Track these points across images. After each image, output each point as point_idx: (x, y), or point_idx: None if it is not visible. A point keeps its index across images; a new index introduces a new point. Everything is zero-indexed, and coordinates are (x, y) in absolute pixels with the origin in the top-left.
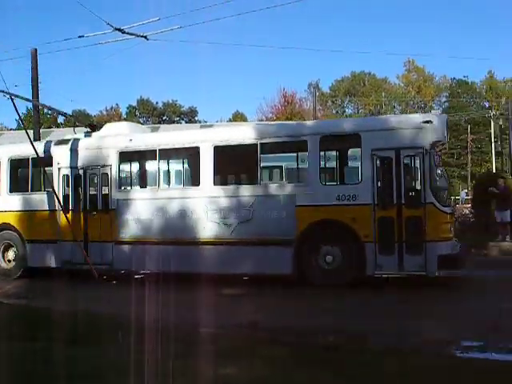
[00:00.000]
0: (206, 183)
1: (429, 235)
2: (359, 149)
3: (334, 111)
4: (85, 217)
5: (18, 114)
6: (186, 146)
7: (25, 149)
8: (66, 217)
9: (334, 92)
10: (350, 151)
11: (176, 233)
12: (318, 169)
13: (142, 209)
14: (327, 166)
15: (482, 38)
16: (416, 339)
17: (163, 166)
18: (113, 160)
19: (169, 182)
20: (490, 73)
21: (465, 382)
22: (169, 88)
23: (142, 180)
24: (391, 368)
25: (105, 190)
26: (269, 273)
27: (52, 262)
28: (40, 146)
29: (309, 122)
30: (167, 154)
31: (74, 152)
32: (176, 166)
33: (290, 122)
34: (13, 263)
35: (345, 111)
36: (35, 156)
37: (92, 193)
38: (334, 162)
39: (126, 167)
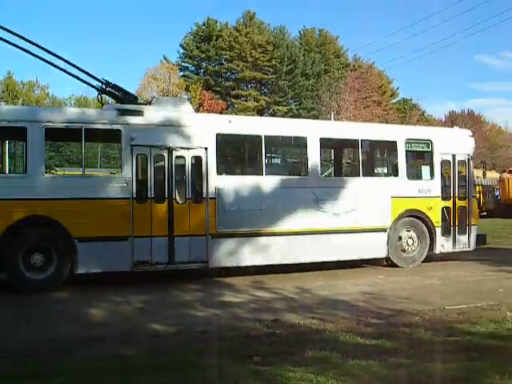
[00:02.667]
0: (314, 174)
1: (471, 220)
2: (430, 152)
3: None
4: (169, 207)
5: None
6: (293, 135)
7: (69, 115)
8: (143, 207)
9: None
10: (422, 153)
11: (285, 223)
12: (406, 165)
13: (245, 198)
14: (411, 163)
15: None
16: None
17: (268, 152)
18: (209, 142)
19: (274, 170)
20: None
21: None
22: None
23: (245, 167)
24: None
25: (194, 176)
26: (368, 257)
27: (116, 265)
28: (92, 114)
29: (400, 129)
30: (272, 141)
31: (153, 127)
32: (281, 154)
33: (386, 124)
34: (50, 271)
35: None
36: (91, 126)
37: (178, 178)
38: (414, 161)
39: (224, 151)
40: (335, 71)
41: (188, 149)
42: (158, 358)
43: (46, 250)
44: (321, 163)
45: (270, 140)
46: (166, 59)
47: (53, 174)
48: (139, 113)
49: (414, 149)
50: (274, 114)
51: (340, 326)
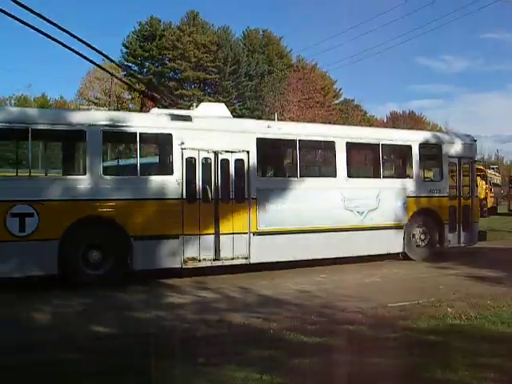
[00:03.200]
0: (341, 175)
1: (474, 218)
2: (440, 155)
3: None
4: (215, 207)
5: None
6: (323, 139)
7: (126, 119)
8: (192, 207)
9: None
10: (432, 156)
11: (316, 221)
12: (419, 168)
13: (282, 198)
14: (423, 166)
15: None
16: None
17: (301, 155)
18: (250, 145)
19: (307, 172)
20: None
21: None
22: None
23: (282, 169)
24: None
25: (237, 177)
26: (387, 252)
27: (168, 262)
28: (146, 119)
29: (415, 134)
30: (305, 144)
31: (200, 132)
32: (312, 156)
33: (403, 130)
34: (107, 268)
35: None
36: (147, 130)
37: (223, 180)
38: (424, 163)
39: (263, 154)
40: (279, 72)
41: (231, 152)
42: (99, 361)
43: (104, 247)
44: (347, 165)
45: (304, 144)
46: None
47: (110, 175)
48: (189, 118)
49: (425, 153)
50: None
51: (284, 325)
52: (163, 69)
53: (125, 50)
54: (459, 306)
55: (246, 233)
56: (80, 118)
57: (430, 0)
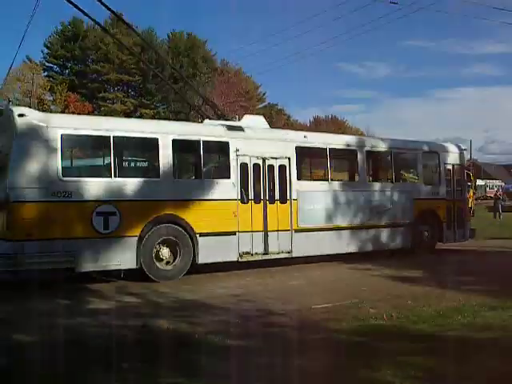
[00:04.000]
0: (362, 179)
1: (467, 217)
2: (438, 162)
3: None
4: (264, 207)
5: None
6: (347, 148)
7: (192, 129)
8: (246, 207)
9: None
10: (432, 163)
11: (344, 219)
12: (422, 173)
13: (317, 199)
14: (425, 171)
15: None
16: None
17: (331, 162)
18: (291, 153)
19: (337, 176)
20: None
21: None
22: None
23: (316, 173)
24: None
25: (281, 181)
26: (398, 247)
27: (226, 256)
28: (203, 129)
29: (419, 143)
30: (334, 152)
31: (251, 141)
32: (340, 163)
33: (409, 139)
34: (176, 262)
35: None
36: (209, 139)
37: (269, 182)
38: (425, 170)
39: (301, 160)
40: (203, 75)
41: (276, 158)
42: (20, 370)
43: (174, 243)
44: (367, 171)
45: (333, 151)
46: (29, 59)
47: (179, 178)
48: (241, 129)
49: (427, 160)
50: (141, 117)
51: (209, 328)
52: (86, 70)
53: (46, 50)
54: (381, 307)
55: (289, 230)
56: (154, 127)
57: (354, 7)
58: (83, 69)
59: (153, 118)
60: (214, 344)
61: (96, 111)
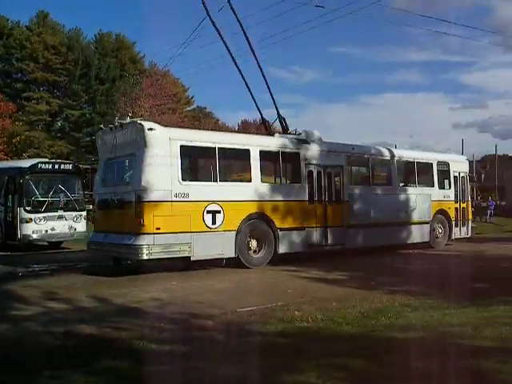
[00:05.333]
0: (395, 184)
1: (469, 217)
2: (448, 170)
3: None
4: (324, 206)
5: None
6: (383, 158)
7: (273, 142)
8: (312, 206)
9: None
10: (444, 171)
11: (382, 217)
12: (437, 179)
13: (361, 200)
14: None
15: None
16: None
17: (372, 169)
18: (342, 162)
19: (377, 182)
20: None
21: None
22: None
23: (360, 179)
24: None
25: (336, 185)
26: (419, 241)
27: (298, 247)
28: (281, 141)
29: (434, 154)
30: (375, 162)
31: (315, 152)
32: (378, 169)
33: (426, 152)
34: (262, 252)
35: None
36: (286, 150)
37: (329, 186)
38: (439, 176)
39: (350, 168)
40: (131, 77)
41: (333, 166)
42: None
43: (261, 236)
44: (399, 177)
45: (373, 160)
46: None
47: (264, 183)
48: (308, 142)
49: (440, 168)
50: (66, 118)
51: (133, 333)
52: (10, 68)
53: None
54: (306, 309)
55: (342, 226)
56: (246, 140)
57: (280, 11)
58: (7, 68)
59: (78, 119)
60: (138, 349)
61: (20, 111)
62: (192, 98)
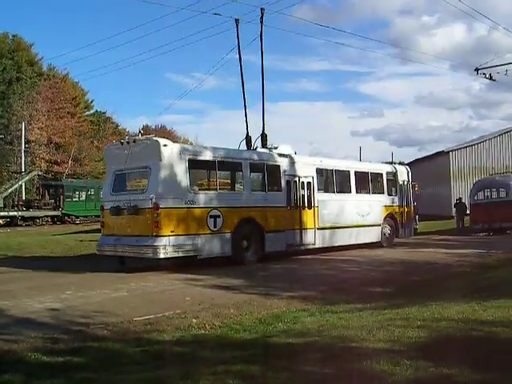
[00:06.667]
0: (353, 192)
1: (412, 219)
2: (395, 179)
3: None
4: (299, 212)
5: None
6: (344, 170)
7: (260, 156)
8: (290, 211)
9: None
10: (392, 179)
11: (346, 221)
12: (387, 187)
13: (328, 206)
14: (388, 186)
15: None
16: None
17: (336, 179)
18: (313, 172)
19: (340, 190)
20: None
21: None
22: None
23: (327, 187)
24: None
25: (308, 193)
26: (372, 241)
27: (279, 247)
28: (266, 155)
29: (383, 166)
30: (338, 173)
31: (291, 164)
32: (341, 179)
33: (376, 163)
34: (253, 251)
35: None
36: (269, 163)
37: (302, 194)
38: (388, 184)
39: (318, 178)
40: (28, 79)
41: (305, 176)
42: None
43: (251, 238)
44: (357, 185)
45: (337, 172)
46: None
47: (253, 191)
48: (287, 156)
49: (389, 177)
50: None
51: (25, 346)
52: None
53: None
54: (204, 316)
55: (313, 228)
56: (237, 155)
57: (180, 18)
58: None
59: None
60: (31, 362)
61: None
62: (92, 102)
